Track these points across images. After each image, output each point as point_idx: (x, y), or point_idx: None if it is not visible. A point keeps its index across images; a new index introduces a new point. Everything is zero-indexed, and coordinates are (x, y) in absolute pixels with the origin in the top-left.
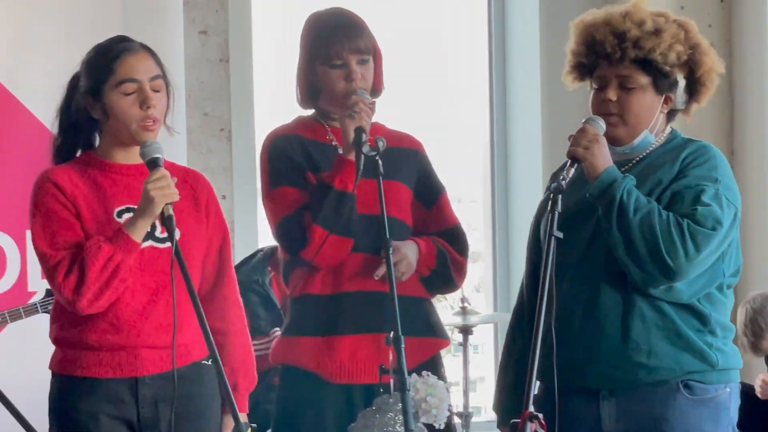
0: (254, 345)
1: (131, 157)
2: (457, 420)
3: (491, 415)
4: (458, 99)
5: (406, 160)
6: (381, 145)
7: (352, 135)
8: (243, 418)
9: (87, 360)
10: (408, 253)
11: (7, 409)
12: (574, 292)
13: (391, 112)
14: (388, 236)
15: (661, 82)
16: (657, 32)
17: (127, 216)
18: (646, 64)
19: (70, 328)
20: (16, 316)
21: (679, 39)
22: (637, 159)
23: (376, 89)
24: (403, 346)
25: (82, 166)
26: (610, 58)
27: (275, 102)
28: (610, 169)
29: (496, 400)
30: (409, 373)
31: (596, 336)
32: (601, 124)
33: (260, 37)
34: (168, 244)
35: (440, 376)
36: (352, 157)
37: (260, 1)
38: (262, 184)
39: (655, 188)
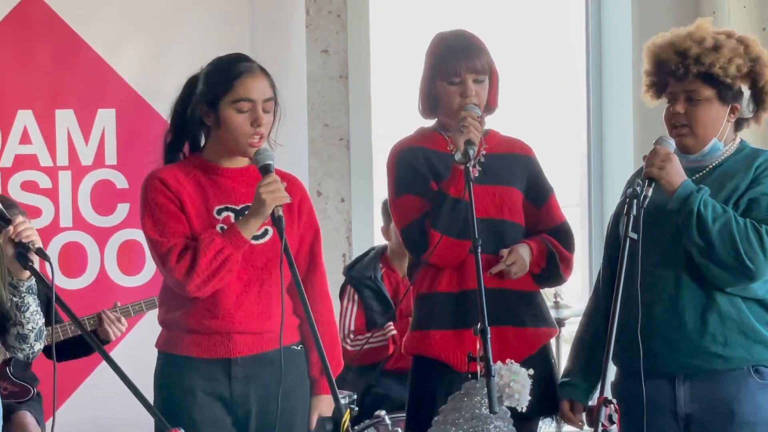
0: (373, 337)
1: (234, 162)
2: None
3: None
4: (557, 111)
5: (517, 165)
6: (471, 153)
7: (462, 147)
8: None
9: (187, 341)
10: (523, 255)
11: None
12: (657, 288)
13: (499, 122)
14: (477, 236)
15: (725, 93)
16: (716, 48)
17: (225, 214)
18: (709, 78)
19: (174, 312)
20: (150, 306)
21: (738, 53)
22: (711, 167)
23: (490, 107)
24: (489, 336)
25: (188, 167)
26: (675, 75)
27: (390, 114)
28: (686, 183)
29: (565, 378)
30: (525, 361)
31: (676, 328)
32: (671, 143)
33: (377, 55)
34: (262, 240)
35: (551, 363)
36: (462, 168)
37: (377, 23)
38: (389, 192)
39: (732, 194)
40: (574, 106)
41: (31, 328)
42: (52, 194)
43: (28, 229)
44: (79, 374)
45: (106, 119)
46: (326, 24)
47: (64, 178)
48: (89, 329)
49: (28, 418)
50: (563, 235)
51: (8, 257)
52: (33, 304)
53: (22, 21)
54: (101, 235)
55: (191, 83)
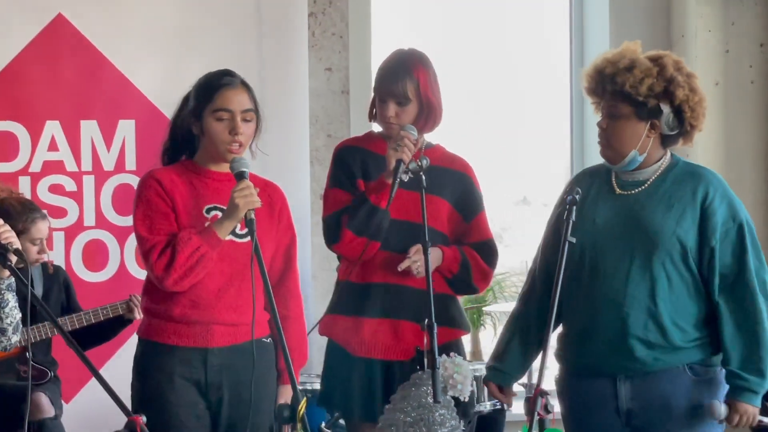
0: None
1: (221, 166)
2: None
3: None
4: (541, 112)
5: (450, 179)
6: (425, 163)
7: (393, 164)
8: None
9: (168, 330)
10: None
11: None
12: (603, 293)
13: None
14: (427, 239)
15: (641, 110)
16: (629, 68)
17: (214, 213)
18: (625, 96)
19: (159, 302)
20: None
21: (651, 73)
22: (651, 180)
23: (420, 129)
24: (435, 331)
25: (182, 169)
26: (596, 93)
27: None
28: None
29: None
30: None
31: (618, 333)
32: None
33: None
34: (245, 239)
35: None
36: (389, 180)
37: (377, 42)
38: (326, 183)
39: (680, 219)
40: (557, 107)
41: (9, 323)
42: (77, 196)
43: (7, 232)
44: (99, 360)
45: (126, 129)
46: (330, 44)
47: (88, 182)
48: (120, 312)
49: (42, 399)
50: (487, 250)
51: None
52: (12, 300)
53: (50, 40)
54: (121, 234)
55: (185, 98)
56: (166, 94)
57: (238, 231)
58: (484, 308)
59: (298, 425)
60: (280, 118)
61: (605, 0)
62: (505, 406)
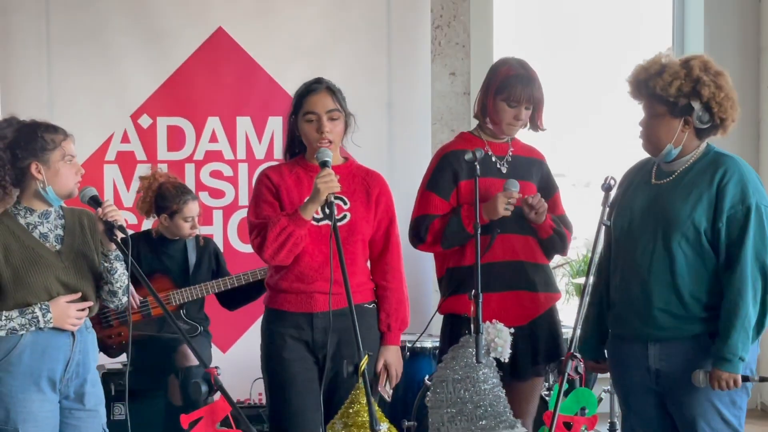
0: None
1: None
2: None
3: None
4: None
5: (533, 166)
6: (479, 155)
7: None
8: (396, 350)
9: (281, 299)
10: (545, 203)
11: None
12: (634, 271)
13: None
14: (478, 222)
15: (674, 109)
16: (660, 73)
17: None
18: (658, 97)
19: (274, 276)
20: None
21: (679, 76)
22: (680, 170)
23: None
24: (480, 300)
25: (293, 164)
26: (637, 97)
27: None
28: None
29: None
30: (534, 320)
31: (647, 305)
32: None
33: None
34: (341, 222)
35: (556, 323)
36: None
37: (499, 50)
38: (422, 181)
39: (697, 204)
40: None
41: (119, 287)
42: (233, 181)
43: (113, 211)
44: (250, 317)
45: (275, 124)
46: (454, 53)
47: (243, 168)
48: (260, 278)
49: (189, 350)
50: (566, 221)
51: (99, 232)
52: (120, 268)
53: (212, 50)
54: None
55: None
56: None
57: (338, 217)
58: None
59: (360, 379)
60: (405, 116)
61: (700, 10)
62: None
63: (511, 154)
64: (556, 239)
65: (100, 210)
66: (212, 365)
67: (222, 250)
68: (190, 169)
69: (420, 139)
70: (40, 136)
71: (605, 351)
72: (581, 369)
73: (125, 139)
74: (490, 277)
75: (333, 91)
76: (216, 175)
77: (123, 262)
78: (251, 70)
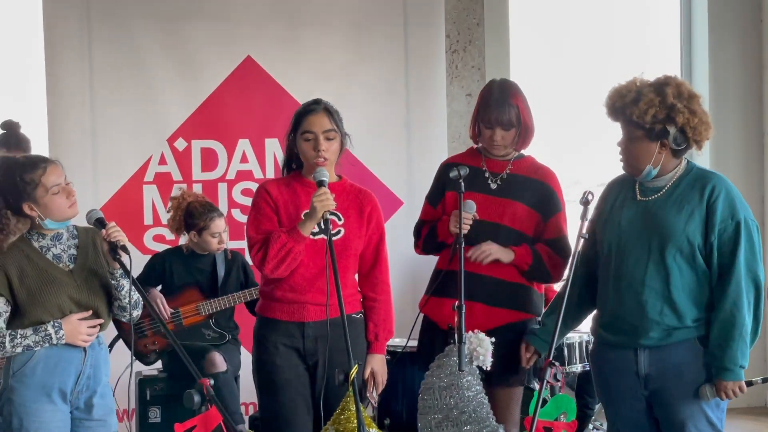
0: None
1: None
2: None
3: None
4: None
5: (530, 186)
6: (462, 172)
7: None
8: (381, 358)
9: (274, 308)
10: (492, 250)
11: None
12: (627, 282)
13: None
14: (461, 236)
15: (650, 133)
16: (635, 101)
17: None
18: (635, 123)
19: (268, 285)
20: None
21: (654, 103)
22: (668, 186)
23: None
24: (464, 311)
25: (290, 180)
26: (614, 119)
27: None
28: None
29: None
30: (489, 332)
31: (639, 316)
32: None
33: None
34: (335, 238)
35: (517, 340)
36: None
37: (515, 71)
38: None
39: (690, 218)
40: None
41: (127, 302)
42: None
43: (117, 232)
44: None
45: None
46: (470, 75)
47: None
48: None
49: (216, 357)
50: (559, 245)
51: (104, 252)
52: (126, 285)
53: (241, 77)
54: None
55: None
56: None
57: (333, 232)
58: None
59: (350, 387)
60: (422, 135)
61: (705, 30)
62: (523, 362)
63: (508, 172)
64: (534, 272)
65: (104, 231)
66: (240, 371)
67: (250, 263)
68: (222, 187)
69: (437, 157)
70: (19, 179)
71: (551, 349)
72: (560, 377)
73: (162, 161)
74: (460, 285)
75: (330, 112)
76: (247, 193)
77: (128, 280)
78: (278, 95)
